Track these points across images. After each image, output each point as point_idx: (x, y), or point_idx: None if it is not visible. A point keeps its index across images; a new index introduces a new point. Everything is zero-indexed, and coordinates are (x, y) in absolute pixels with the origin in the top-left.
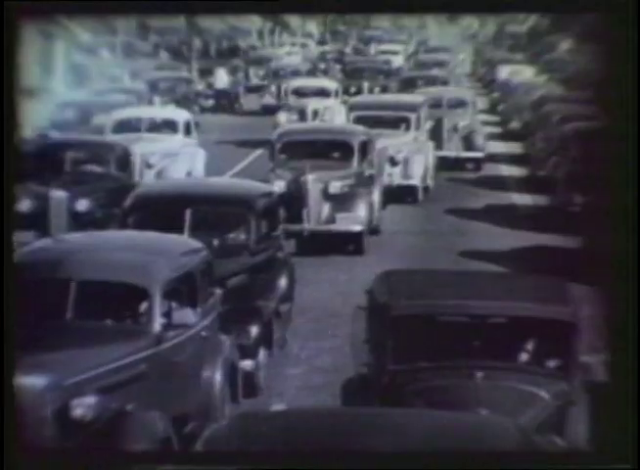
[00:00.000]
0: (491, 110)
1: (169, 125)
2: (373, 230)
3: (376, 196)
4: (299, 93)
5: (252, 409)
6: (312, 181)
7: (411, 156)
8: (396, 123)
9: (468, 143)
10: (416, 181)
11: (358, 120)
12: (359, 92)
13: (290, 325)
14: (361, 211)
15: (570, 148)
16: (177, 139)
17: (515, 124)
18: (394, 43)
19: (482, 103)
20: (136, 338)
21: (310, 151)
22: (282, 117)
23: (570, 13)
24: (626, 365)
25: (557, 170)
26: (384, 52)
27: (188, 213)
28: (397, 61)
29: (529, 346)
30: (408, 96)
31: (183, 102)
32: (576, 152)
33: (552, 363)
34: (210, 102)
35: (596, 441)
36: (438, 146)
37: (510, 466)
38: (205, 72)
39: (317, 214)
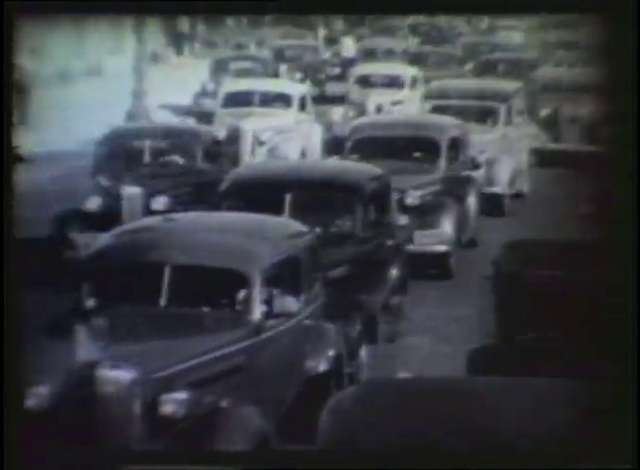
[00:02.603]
0: None
1: (283, 99)
2: (468, 244)
3: (471, 203)
4: (366, 82)
5: (379, 377)
6: None
7: (497, 157)
8: (482, 116)
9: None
10: (501, 188)
11: (434, 112)
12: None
13: (402, 319)
14: (447, 225)
15: None
16: (291, 114)
17: None
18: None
19: None
20: (234, 327)
21: (387, 150)
22: (336, 112)
23: (570, 13)
24: (626, 365)
25: None
26: (498, 27)
27: (288, 199)
28: (516, 38)
29: None
30: (499, 82)
31: (309, 70)
32: None
33: None
34: (337, 70)
35: (596, 441)
36: (556, 138)
37: (510, 466)
38: (332, 41)
39: None
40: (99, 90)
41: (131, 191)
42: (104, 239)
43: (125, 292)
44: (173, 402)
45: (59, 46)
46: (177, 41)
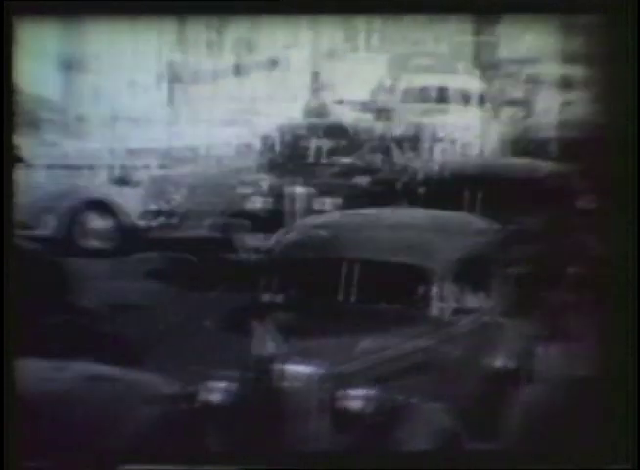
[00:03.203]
0: None
1: (463, 96)
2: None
3: None
4: (536, 82)
5: (563, 375)
6: None
7: None
8: None
9: None
10: None
11: None
12: None
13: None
14: None
15: None
16: (471, 112)
17: None
18: None
19: None
20: (418, 323)
21: (559, 151)
22: (507, 111)
23: (570, 13)
24: (626, 364)
25: None
26: None
27: (466, 196)
28: None
29: None
30: None
31: (487, 68)
32: None
33: None
34: (513, 69)
35: (596, 441)
36: None
37: (509, 466)
38: (511, 38)
39: None
40: (274, 85)
41: (295, 190)
42: (282, 234)
43: (306, 287)
44: (361, 398)
45: (233, 40)
46: (354, 37)
